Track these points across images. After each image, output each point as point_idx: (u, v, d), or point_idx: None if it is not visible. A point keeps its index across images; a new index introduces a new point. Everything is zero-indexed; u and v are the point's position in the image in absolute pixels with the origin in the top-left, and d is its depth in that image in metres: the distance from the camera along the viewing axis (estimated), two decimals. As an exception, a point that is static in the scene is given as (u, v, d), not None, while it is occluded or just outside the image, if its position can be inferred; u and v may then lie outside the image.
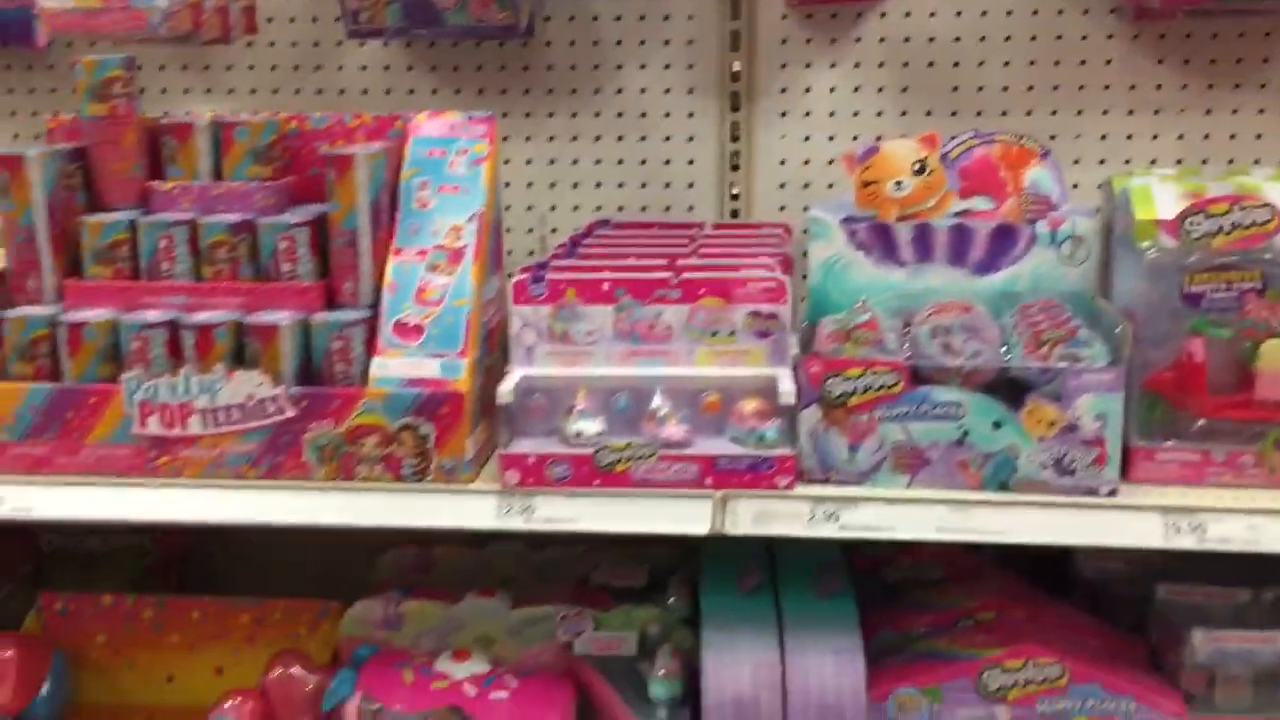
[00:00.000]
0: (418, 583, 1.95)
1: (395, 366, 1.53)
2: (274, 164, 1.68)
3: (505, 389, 1.51)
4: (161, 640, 1.97)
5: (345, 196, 1.57)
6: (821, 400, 1.48)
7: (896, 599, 1.75)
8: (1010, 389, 1.46)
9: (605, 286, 1.58)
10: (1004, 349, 1.48)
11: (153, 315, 1.57)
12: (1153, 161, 1.99)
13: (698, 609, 1.80)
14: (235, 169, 1.67)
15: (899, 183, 1.64)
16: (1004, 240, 1.64)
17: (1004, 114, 2.03)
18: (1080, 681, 1.52)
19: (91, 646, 1.97)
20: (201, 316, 1.56)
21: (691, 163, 2.15)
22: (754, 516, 1.48)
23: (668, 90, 2.12)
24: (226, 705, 1.68)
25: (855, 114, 2.10)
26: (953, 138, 1.65)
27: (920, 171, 1.64)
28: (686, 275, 1.58)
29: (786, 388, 1.48)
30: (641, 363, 1.58)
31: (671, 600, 1.83)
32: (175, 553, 2.24)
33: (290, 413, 1.53)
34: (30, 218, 1.62)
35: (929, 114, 2.08)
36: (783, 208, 2.15)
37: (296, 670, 1.72)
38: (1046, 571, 1.84)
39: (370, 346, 1.55)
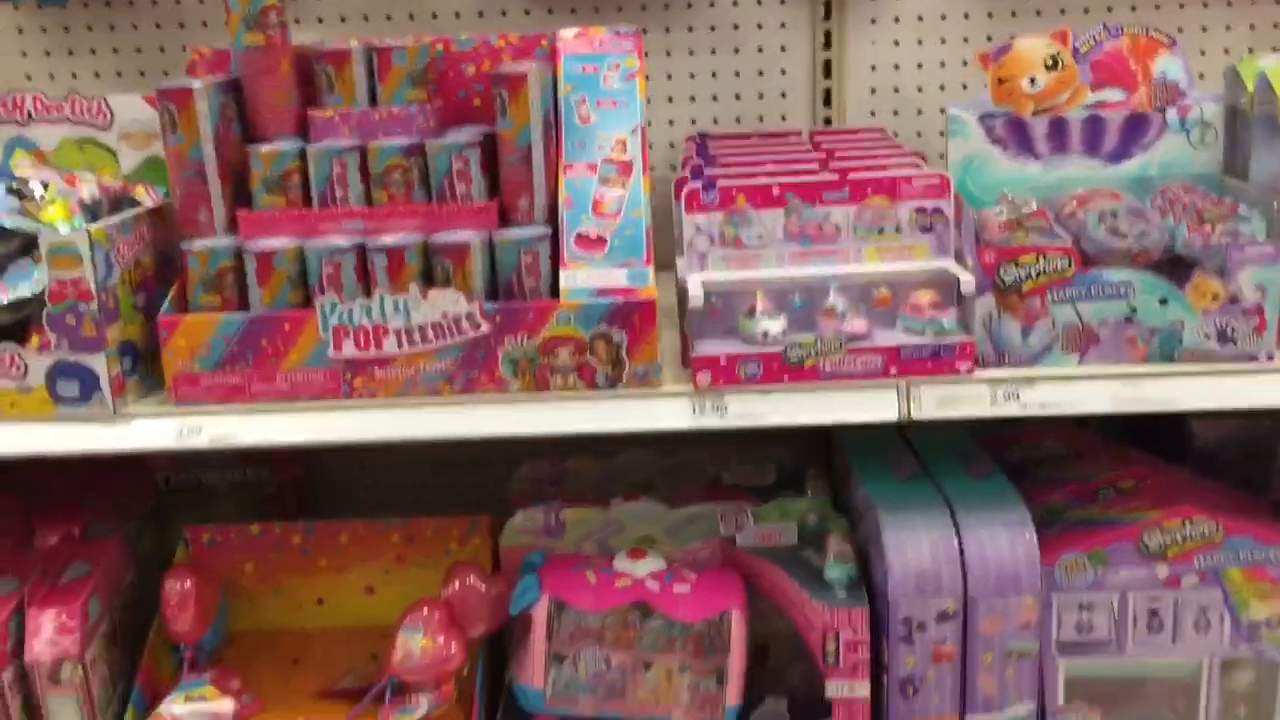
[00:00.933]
0: (553, 494, 2.02)
1: (583, 278, 1.58)
2: (428, 87, 1.71)
3: (695, 293, 1.58)
4: (310, 564, 2.02)
5: (518, 114, 1.61)
6: (995, 287, 1.57)
7: (1027, 478, 1.85)
8: (1173, 266, 1.56)
9: (775, 191, 1.64)
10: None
11: (341, 240, 1.59)
12: (1274, 49, 2.08)
13: (837, 502, 1.90)
14: (393, 94, 1.69)
15: (1033, 79, 1.72)
16: (1135, 129, 1.73)
17: (1109, 10, 2.11)
18: (1234, 535, 1.64)
19: (240, 575, 2.01)
20: (389, 239, 1.59)
21: (784, 73, 2.20)
22: (938, 401, 1.57)
23: (760, 1, 2.17)
24: (417, 615, 1.74)
25: (943, 17, 2.17)
26: (1083, 32, 1.73)
27: (1053, 66, 1.72)
28: (853, 176, 1.65)
29: (967, 278, 1.56)
30: (812, 262, 1.66)
31: (809, 495, 1.93)
32: (290, 484, 2.28)
33: (485, 329, 1.57)
34: (199, 151, 1.63)
35: (1014, 15, 2.16)
36: (873, 113, 2.22)
37: (476, 580, 1.78)
38: (1157, 442, 1.97)
39: (554, 261, 1.60)
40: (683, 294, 1.63)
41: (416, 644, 1.71)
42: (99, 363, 1.57)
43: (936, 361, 1.57)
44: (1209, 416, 1.92)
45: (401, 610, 1.79)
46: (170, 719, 1.73)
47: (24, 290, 1.58)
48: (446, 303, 1.57)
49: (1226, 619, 1.66)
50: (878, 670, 1.71)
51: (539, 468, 2.11)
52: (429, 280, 1.60)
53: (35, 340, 1.58)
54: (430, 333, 1.58)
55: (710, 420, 1.59)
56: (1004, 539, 1.65)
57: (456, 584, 1.78)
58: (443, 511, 2.03)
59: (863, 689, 1.70)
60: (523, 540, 1.88)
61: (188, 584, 1.80)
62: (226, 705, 1.74)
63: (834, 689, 1.70)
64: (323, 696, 1.85)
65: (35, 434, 1.59)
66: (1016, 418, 1.60)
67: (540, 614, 1.72)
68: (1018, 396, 1.56)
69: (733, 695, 1.73)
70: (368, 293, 1.59)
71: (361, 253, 1.59)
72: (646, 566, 1.77)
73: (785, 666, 1.88)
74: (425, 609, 1.75)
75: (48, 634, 1.65)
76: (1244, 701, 1.69)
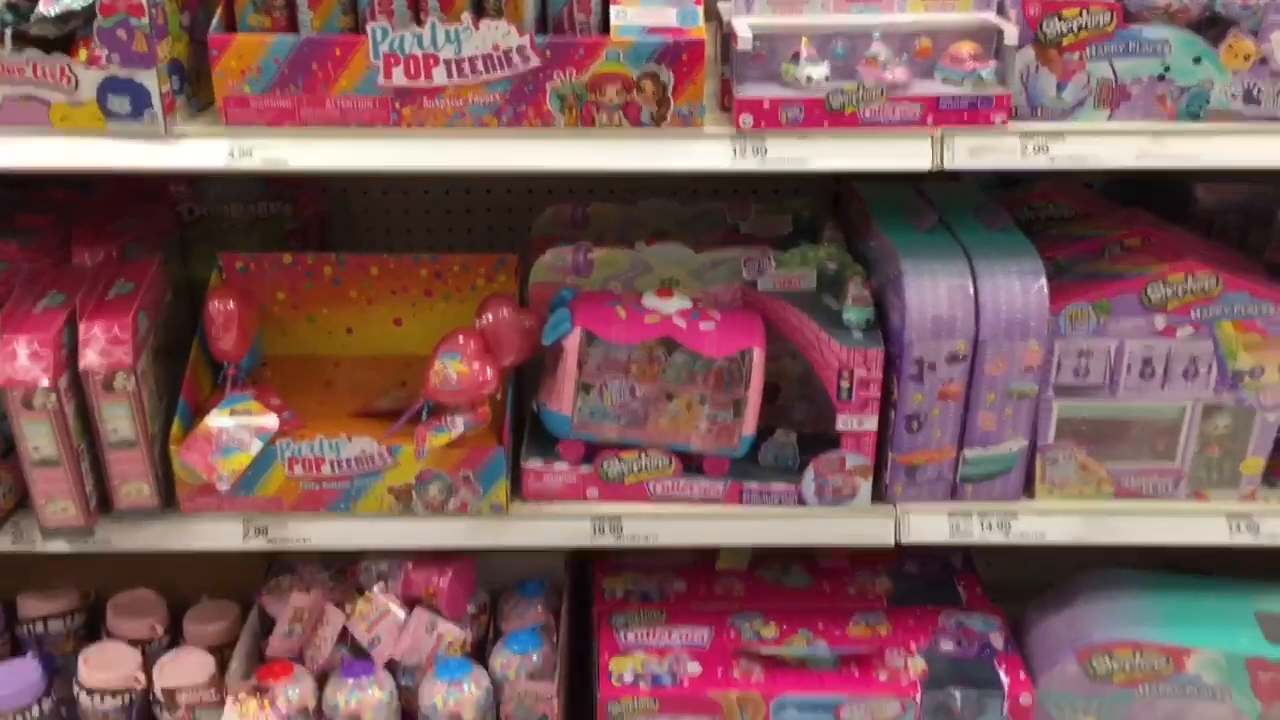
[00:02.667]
0: (575, 238, 2.08)
1: (633, 15, 1.60)
2: None
3: (744, 35, 1.60)
4: (341, 295, 2.09)
5: None
6: (1036, 41, 1.61)
7: (1038, 235, 1.94)
8: (1210, 26, 1.60)
9: (823, -64, 1.65)
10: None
11: (392, -34, 1.59)
12: None
13: (853, 252, 1.98)
14: None
15: None
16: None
17: None
18: (1231, 290, 1.75)
19: (273, 303, 2.08)
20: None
21: None
22: (970, 151, 1.63)
23: None
24: (454, 342, 1.82)
25: None
26: None
27: None
28: (901, -77, 1.65)
29: (1010, 30, 1.59)
30: (855, 10, 1.68)
31: (826, 244, 2.01)
32: (313, 220, 2.32)
33: (535, 62, 1.59)
34: None
35: None
36: None
37: (510, 311, 1.86)
38: (1160, 205, 2.05)
39: (604, -3, 1.61)
40: (728, 37, 1.65)
41: (453, 369, 1.80)
42: (150, 79, 1.58)
43: (972, 113, 1.62)
44: (1219, 179, 2.00)
45: (429, 341, 1.88)
46: (218, 430, 1.82)
47: (73, 2, 1.57)
48: (497, 35, 1.58)
49: (1214, 368, 1.79)
50: (885, 407, 1.83)
51: (562, 212, 2.15)
52: (480, 12, 1.61)
53: (83, 54, 1.59)
54: (480, 64, 1.60)
55: (750, 163, 1.64)
56: (1017, 286, 1.75)
57: (491, 315, 1.86)
58: (464, 252, 2.10)
59: (871, 423, 1.82)
60: (551, 278, 1.95)
61: (230, 305, 1.87)
62: (270, 419, 1.84)
63: (844, 423, 1.83)
64: (358, 416, 1.95)
65: (87, 148, 1.61)
66: (1038, 172, 1.67)
67: (572, 345, 1.81)
68: (1047, 150, 1.62)
69: (748, 426, 1.85)
70: (419, 21, 1.60)
71: (414, -23, 1.59)
72: (674, 304, 1.85)
73: (792, 405, 2.00)
74: (462, 337, 1.83)
75: (101, 344, 1.71)
76: (1219, 443, 1.84)
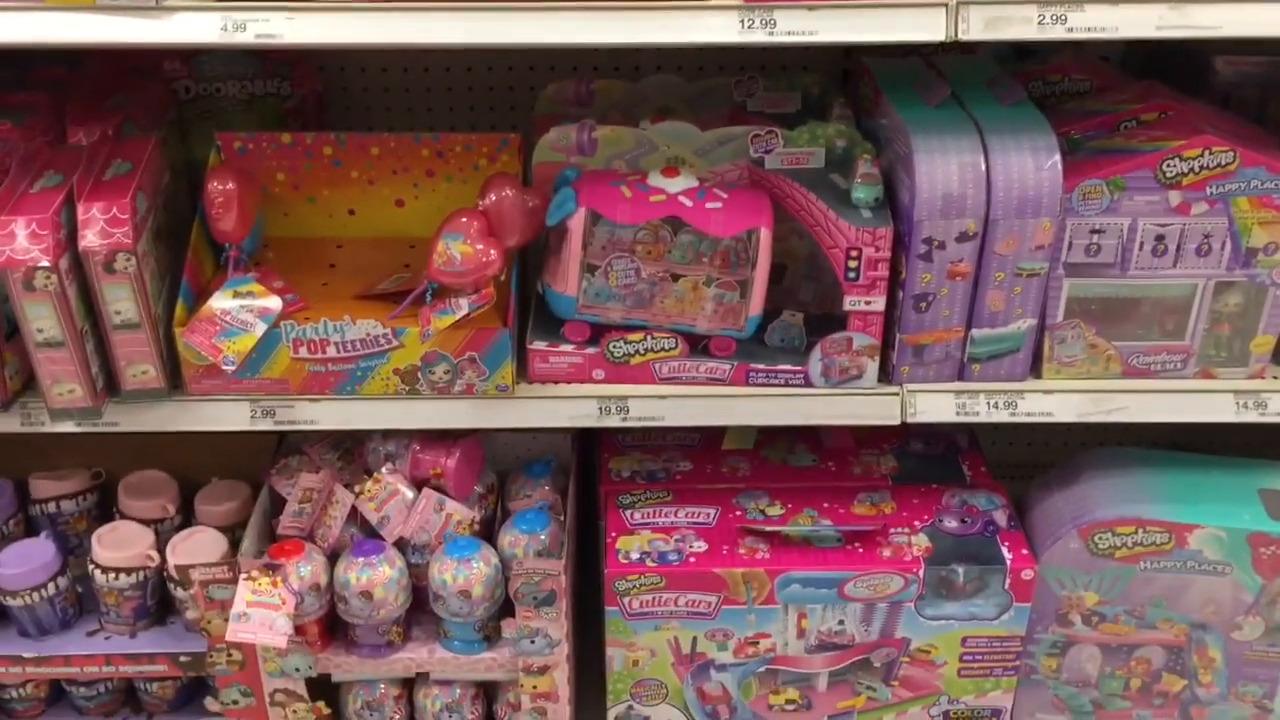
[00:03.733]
0: (578, 115, 2.04)
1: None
2: None
3: (754, -99, 1.54)
4: (341, 176, 2.06)
5: None
6: (1055, -95, 1.55)
7: (1052, 110, 1.89)
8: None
9: None
10: None
11: None
12: None
13: (862, 129, 1.94)
14: None
15: None
16: None
17: None
18: (1248, 165, 1.72)
19: (273, 183, 2.05)
20: None
21: None
22: (985, 22, 1.58)
23: None
24: (457, 223, 1.80)
25: None
26: None
27: None
28: None
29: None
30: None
31: (835, 121, 1.96)
32: (310, 99, 2.27)
33: (535, -71, 1.54)
34: None
35: None
36: None
37: (514, 191, 1.83)
38: (1178, 79, 2.00)
39: None
40: (735, -98, 1.59)
41: (457, 249, 1.78)
42: (139, -50, 1.53)
43: (987, -19, 1.57)
44: (1238, 50, 1.95)
45: (431, 222, 1.86)
46: (221, 312, 1.82)
47: None
48: (496, -101, 1.52)
49: (1228, 245, 1.76)
50: (893, 286, 1.81)
51: (564, 89, 2.11)
52: (480, -125, 1.55)
53: (69, -75, 1.54)
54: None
55: (757, 35, 1.59)
56: (1030, 163, 1.72)
57: (494, 195, 1.83)
58: (466, 131, 2.06)
59: (879, 302, 1.81)
60: (555, 157, 1.91)
61: (230, 185, 1.84)
62: (274, 301, 1.83)
63: (852, 303, 1.81)
64: (362, 298, 1.93)
65: (78, 23, 1.57)
66: (1055, 42, 1.62)
67: (576, 225, 1.79)
68: (1065, 20, 1.57)
69: (755, 306, 1.84)
70: (415, -114, 1.54)
71: None
72: (680, 184, 1.82)
73: (798, 286, 1.98)
74: (465, 217, 1.81)
75: (100, 225, 1.70)
76: (1229, 321, 1.83)
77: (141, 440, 1.99)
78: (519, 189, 1.84)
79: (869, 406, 1.86)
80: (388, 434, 2.01)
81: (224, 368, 1.80)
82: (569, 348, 1.88)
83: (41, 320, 1.71)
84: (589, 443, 2.23)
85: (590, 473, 2.19)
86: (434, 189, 2.07)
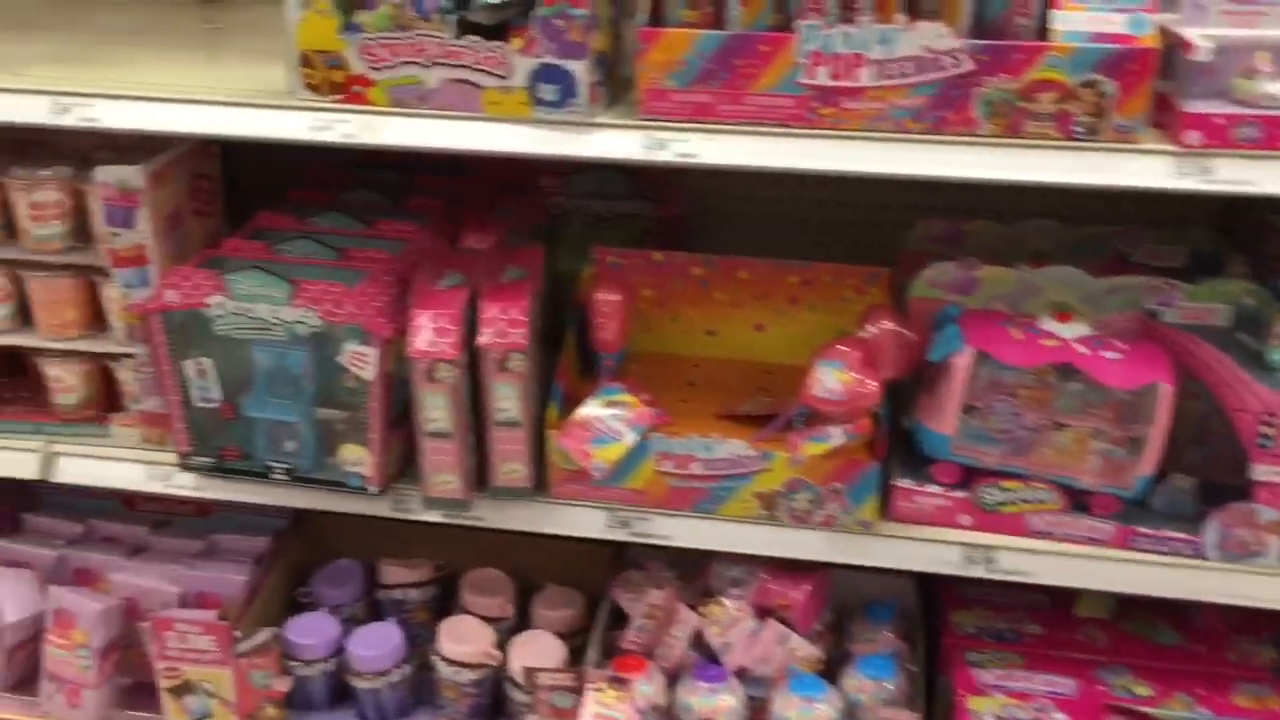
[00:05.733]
0: (947, 255, 2.01)
1: (1078, 20, 1.51)
2: None
3: (1203, 46, 1.49)
4: (706, 296, 2.09)
5: None
6: None
7: None
8: None
9: (1286, -54, 1.52)
10: None
11: (828, -37, 1.56)
12: None
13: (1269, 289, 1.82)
14: None
15: None
16: None
17: None
18: None
19: (639, 299, 2.09)
20: (876, -35, 1.55)
21: None
22: None
23: None
24: (837, 350, 1.77)
25: None
26: None
27: None
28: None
29: None
30: (1322, 24, 1.54)
31: (1234, 278, 1.85)
32: (673, 221, 2.33)
33: (968, 66, 1.53)
34: None
35: None
36: None
37: (895, 324, 1.80)
38: None
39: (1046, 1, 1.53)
40: (1173, 47, 1.54)
41: (835, 377, 1.76)
42: (581, 69, 1.61)
43: None
44: None
45: (790, 349, 1.86)
46: (594, 418, 1.84)
47: (513, -9, 1.62)
48: (931, 36, 1.53)
49: None
50: (1303, 459, 1.67)
51: (935, 228, 2.08)
52: (913, 11, 1.56)
53: (516, 42, 1.63)
54: (909, 66, 1.55)
55: (1192, 182, 1.52)
56: None
57: (875, 326, 1.80)
58: (829, 262, 2.05)
59: (1291, 475, 1.67)
60: (932, 293, 1.88)
61: (616, 297, 1.89)
62: (646, 412, 1.85)
63: (1261, 473, 1.67)
64: (723, 418, 1.93)
65: (512, 133, 1.66)
66: None
67: (962, 363, 1.74)
68: None
69: (1147, 465, 1.73)
70: (849, 19, 1.57)
71: (850, -23, 1.56)
72: (1073, 330, 1.75)
73: (1184, 447, 1.85)
74: (845, 345, 1.78)
75: (500, 325, 1.76)
76: None
77: (483, 537, 2.03)
78: (900, 322, 1.81)
79: (1271, 589, 1.70)
80: (735, 559, 1.97)
81: (593, 474, 1.82)
82: (937, 489, 1.81)
83: (436, 410, 1.78)
84: (925, 589, 2.13)
85: (928, 619, 2.08)
86: (796, 316, 2.07)
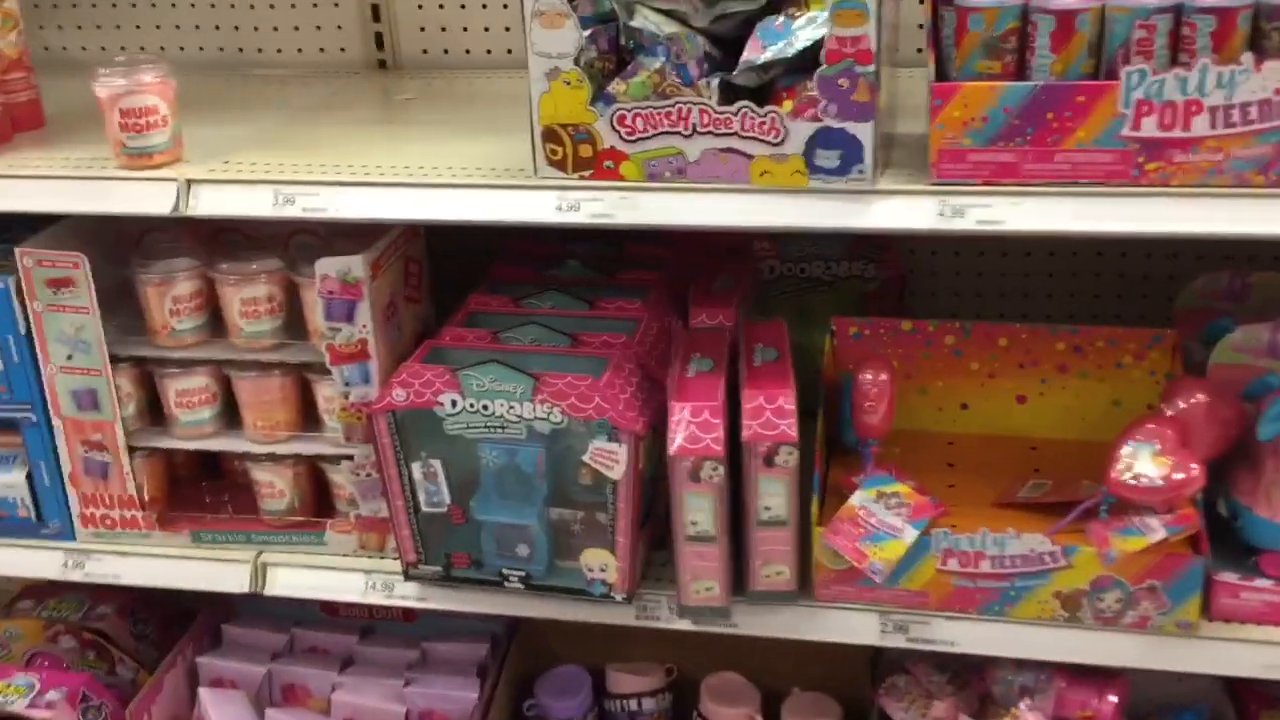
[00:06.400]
0: (1228, 310, 1.80)
1: None
2: None
3: None
4: (960, 366, 1.90)
5: None
6: None
7: None
8: None
9: None
10: None
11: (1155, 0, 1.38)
12: None
13: None
14: None
15: None
16: None
17: None
18: None
19: (887, 373, 1.91)
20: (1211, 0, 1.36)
21: None
22: None
23: None
24: (1148, 429, 1.57)
25: None
26: None
27: None
28: None
29: None
30: None
31: None
32: (895, 280, 2.15)
33: (1327, 107, 1.34)
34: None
35: None
36: None
37: (1209, 397, 1.59)
38: None
39: None
40: None
41: (1148, 460, 1.56)
42: (866, 132, 1.44)
43: None
44: None
45: (1055, 422, 1.75)
46: (865, 513, 1.66)
47: (785, 49, 1.46)
48: (1283, 76, 1.33)
49: None
50: None
51: (1216, 281, 1.88)
52: (1257, 50, 1.36)
53: (787, 105, 1.47)
54: (1254, 111, 1.35)
55: None
56: None
57: (1184, 401, 1.60)
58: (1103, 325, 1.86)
59: None
60: (1239, 359, 1.68)
61: (884, 377, 1.71)
62: (926, 504, 1.66)
63: None
64: (1002, 506, 1.74)
65: (786, 205, 1.49)
66: None
67: (1300, 442, 1.53)
68: None
69: None
70: (1175, 62, 1.38)
71: (1179, 14, 1.37)
72: None
73: None
74: (1155, 424, 1.58)
75: (766, 416, 1.59)
76: None
77: (712, 638, 1.84)
78: (1214, 395, 1.61)
79: None
80: (1021, 664, 1.77)
81: (871, 576, 1.63)
82: (1267, 583, 1.59)
83: (699, 513, 1.60)
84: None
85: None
86: (1064, 386, 1.87)
